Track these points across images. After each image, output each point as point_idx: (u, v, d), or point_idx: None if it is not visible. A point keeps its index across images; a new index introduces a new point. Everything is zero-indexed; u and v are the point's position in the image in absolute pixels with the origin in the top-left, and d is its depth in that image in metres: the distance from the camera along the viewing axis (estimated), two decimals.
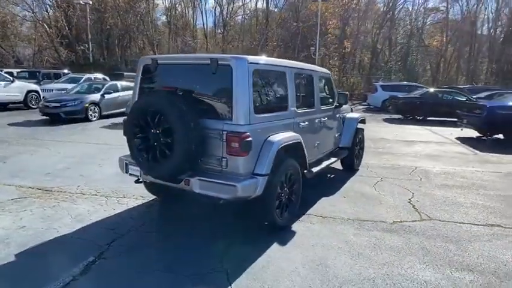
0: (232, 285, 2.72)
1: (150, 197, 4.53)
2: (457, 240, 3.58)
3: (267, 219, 3.50)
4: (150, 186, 4.31)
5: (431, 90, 15.56)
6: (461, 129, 11.50)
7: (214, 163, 3.27)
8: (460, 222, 4.02)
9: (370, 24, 36.80)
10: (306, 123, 4.22)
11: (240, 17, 40.56)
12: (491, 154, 7.88)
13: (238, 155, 3.12)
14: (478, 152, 8.19)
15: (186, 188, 3.28)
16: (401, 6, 37.57)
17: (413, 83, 20.74)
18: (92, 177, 5.37)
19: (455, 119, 12.98)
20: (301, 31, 31.79)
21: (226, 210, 4.13)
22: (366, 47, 36.58)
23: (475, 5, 36.90)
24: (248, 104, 3.18)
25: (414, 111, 14.12)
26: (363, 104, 21.64)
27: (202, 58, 3.46)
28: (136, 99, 3.79)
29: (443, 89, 16.00)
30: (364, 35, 35.89)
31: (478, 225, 3.98)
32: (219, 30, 39.94)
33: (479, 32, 38.70)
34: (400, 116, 15.01)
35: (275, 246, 3.35)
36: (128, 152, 4.01)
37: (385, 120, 14.51)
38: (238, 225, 3.87)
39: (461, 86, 20.36)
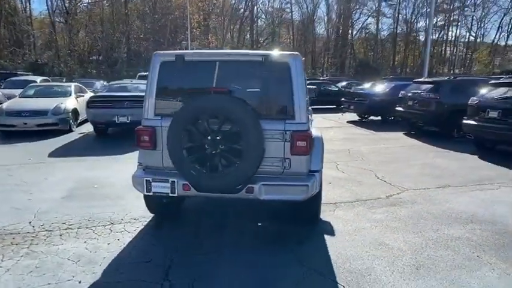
0: (340, 283, 2.71)
1: (144, 217, 3.87)
2: (439, 202, 4.45)
3: (316, 214, 3.55)
4: (154, 204, 3.68)
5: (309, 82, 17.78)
6: (342, 114, 13.68)
7: (274, 165, 3.09)
8: (427, 188, 4.97)
9: (231, 21, 38.68)
10: (310, 117, 4.38)
11: (85, 5, 35.92)
12: (384, 133, 9.78)
13: (304, 153, 3.06)
14: (374, 132, 10.01)
15: (249, 197, 3.00)
16: (259, 6, 41.01)
17: None
18: (36, 209, 4.11)
19: (332, 106, 15.23)
20: (169, 25, 30.65)
21: (242, 212, 3.94)
22: (230, 43, 38.30)
23: (312, 8, 43.63)
24: (306, 102, 3.14)
25: None
26: None
27: (249, 55, 3.17)
28: (153, 102, 3.15)
29: (318, 81, 18.48)
30: (227, 31, 37.47)
31: (438, 188, 5.02)
32: (58, 19, 34.62)
33: (318, 32, 45.98)
34: None
35: (328, 238, 3.44)
36: (134, 168, 3.39)
37: None
38: (273, 225, 3.75)
39: (322, 78, 23.91)
